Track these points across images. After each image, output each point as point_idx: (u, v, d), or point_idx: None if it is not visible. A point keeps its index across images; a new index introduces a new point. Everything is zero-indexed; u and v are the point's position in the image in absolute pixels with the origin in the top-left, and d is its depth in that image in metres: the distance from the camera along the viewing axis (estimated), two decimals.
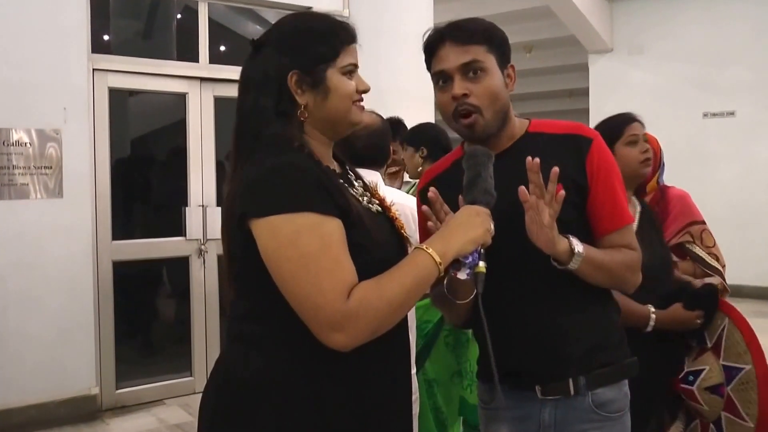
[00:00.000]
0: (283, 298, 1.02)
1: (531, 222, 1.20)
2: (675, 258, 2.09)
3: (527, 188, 1.19)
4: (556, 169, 1.17)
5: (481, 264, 1.12)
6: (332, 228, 1.02)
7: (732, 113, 7.01)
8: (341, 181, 1.14)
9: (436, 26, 1.35)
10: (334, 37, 1.14)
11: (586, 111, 7.95)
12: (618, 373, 1.34)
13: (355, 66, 1.17)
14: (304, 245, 0.99)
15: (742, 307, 2.04)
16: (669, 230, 2.13)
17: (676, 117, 7.00)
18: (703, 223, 2.19)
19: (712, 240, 2.18)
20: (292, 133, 1.11)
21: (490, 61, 1.29)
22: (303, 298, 1.00)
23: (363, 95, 1.19)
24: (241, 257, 1.08)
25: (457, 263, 1.12)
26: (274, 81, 1.11)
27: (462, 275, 1.13)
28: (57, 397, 3.50)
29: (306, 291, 0.99)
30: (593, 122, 7.71)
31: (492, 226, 1.14)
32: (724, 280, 2.15)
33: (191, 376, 4.00)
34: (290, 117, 1.12)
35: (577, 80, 8.78)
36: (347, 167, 1.27)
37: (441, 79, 1.31)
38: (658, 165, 2.20)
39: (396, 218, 1.24)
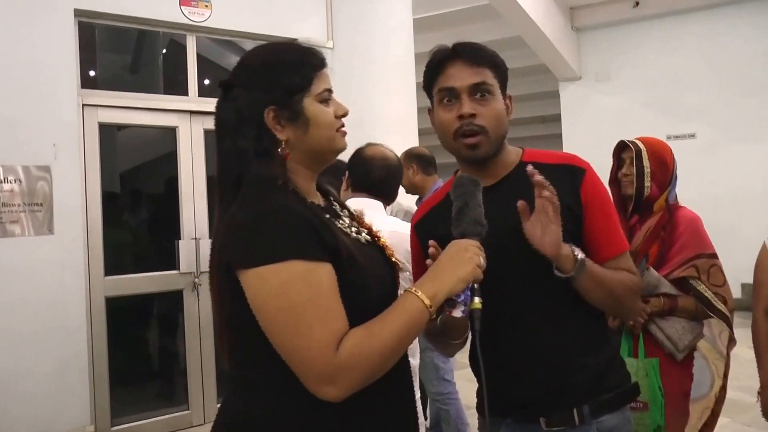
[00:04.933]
0: None
1: (533, 225, 1.18)
2: (675, 292, 1.96)
3: (529, 211, 1.19)
4: (538, 178, 1.17)
5: (476, 300, 1.08)
6: (322, 275, 0.99)
7: (693, 135, 7.23)
8: (327, 215, 1.10)
9: (442, 44, 1.33)
10: (304, 64, 1.10)
11: (559, 136, 8.18)
12: (621, 399, 1.33)
13: (330, 91, 1.13)
14: (294, 296, 0.96)
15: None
16: (674, 260, 1.96)
17: None
18: (714, 256, 1.98)
19: (722, 278, 1.96)
20: (275, 171, 1.06)
21: (496, 86, 1.29)
22: (293, 350, 0.97)
23: (344, 119, 1.14)
24: (231, 303, 1.05)
25: (451, 301, 1.07)
26: (250, 120, 1.07)
27: (457, 313, 1.09)
28: None
29: (296, 344, 0.96)
30: (566, 146, 7.95)
31: (482, 260, 1.09)
32: (731, 326, 1.96)
33: (188, 409, 3.95)
34: (272, 155, 1.08)
35: (549, 107, 9.03)
36: (331, 197, 1.23)
37: (447, 97, 1.29)
38: (669, 180, 2.04)
39: (385, 246, 1.22)
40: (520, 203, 1.19)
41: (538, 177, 1.17)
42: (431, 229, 1.35)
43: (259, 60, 1.11)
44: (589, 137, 7.41)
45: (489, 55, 1.31)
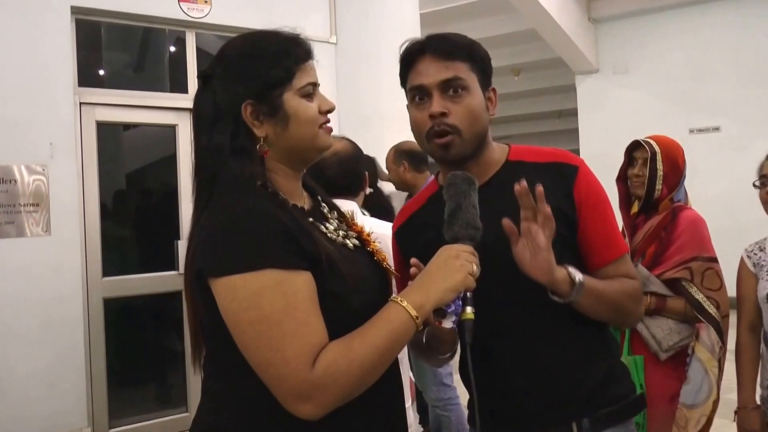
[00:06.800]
0: None
1: (522, 250, 1.09)
2: (666, 292, 1.93)
3: (516, 220, 1.09)
4: (540, 188, 1.06)
5: (468, 310, 1.00)
6: (298, 284, 0.92)
7: (717, 128, 7.06)
8: (311, 219, 1.04)
9: (414, 38, 1.25)
10: (286, 56, 1.02)
11: (576, 130, 8.01)
12: (625, 411, 1.25)
13: (315, 85, 1.05)
14: (267, 307, 0.90)
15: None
16: (670, 261, 1.92)
17: (663, 133, 7.06)
18: (712, 260, 1.94)
19: (717, 282, 1.92)
20: (254, 170, 1.00)
21: (472, 80, 1.20)
22: (266, 366, 0.91)
23: (329, 115, 1.08)
24: (204, 312, 0.99)
25: (440, 311, 0.99)
26: (226, 115, 1.01)
27: (447, 324, 1.01)
28: None
29: (269, 359, 0.90)
30: (582, 141, 7.73)
31: (475, 268, 1.01)
32: (720, 332, 1.91)
33: (187, 411, 3.92)
34: (250, 153, 1.01)
35: (565, 101, 8.88)
36: (320, 197, 1.16)
37: (418, 95, 1.21)
38: (678, 181, 2.01)
39: (377, 251, 1.14)
40: (506, 223, 1.08)
41: (525, 198, 1.06)
42: (413, 238, 1.28)
43: (237, 50, 1.05)
44: (607, 132, 7.24)
45: (463, 46, 1.21)
